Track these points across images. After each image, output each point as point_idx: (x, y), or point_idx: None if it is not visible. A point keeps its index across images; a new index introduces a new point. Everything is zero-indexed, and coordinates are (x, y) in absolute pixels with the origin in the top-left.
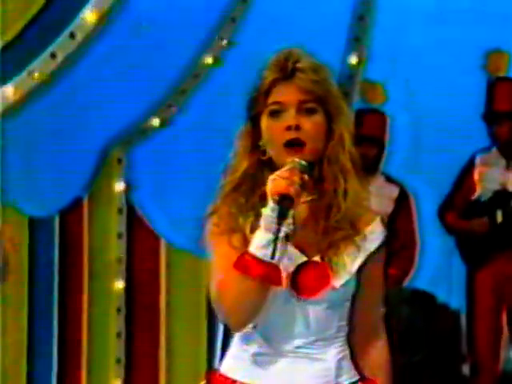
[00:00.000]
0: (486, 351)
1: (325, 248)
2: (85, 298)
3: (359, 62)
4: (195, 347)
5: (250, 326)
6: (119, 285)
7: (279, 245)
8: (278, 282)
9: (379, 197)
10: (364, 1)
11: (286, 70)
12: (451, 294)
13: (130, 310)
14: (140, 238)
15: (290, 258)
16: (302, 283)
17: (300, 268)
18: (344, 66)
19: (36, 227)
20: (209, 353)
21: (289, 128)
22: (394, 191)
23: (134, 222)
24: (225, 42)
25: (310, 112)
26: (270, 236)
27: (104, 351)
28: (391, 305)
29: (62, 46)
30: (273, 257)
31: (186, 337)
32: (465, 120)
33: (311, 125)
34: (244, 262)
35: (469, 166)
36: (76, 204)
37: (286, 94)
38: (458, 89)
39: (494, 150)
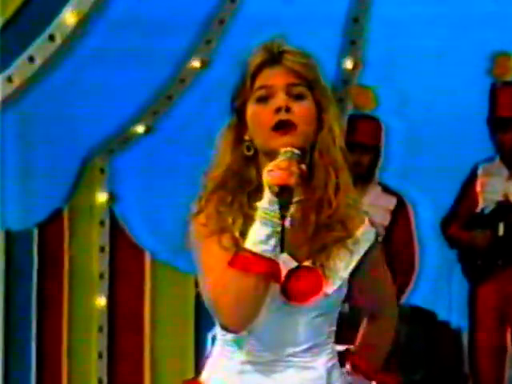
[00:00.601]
0: (488, 371)
1: (316, 251)
2: (65, 315)
3: (354, 66)
4: (182, 367)
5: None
6: (101, 301)
7: (274, 240)
8: (279, 278)
9: (375, 208)
10: (359, 3)
11: (274, 53)
12: (451, 311)
13: (113, 329)
14: (123, 251)
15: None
16: (293, 289)
17: (291, 273)
18: (339, 70)
19: (13, 240)
20: (197, 373)
21: (279, 109)
22: (391, 202)
23: (116, 234)
24: (213, 44)
25: (300, 97)
26: (269, 230)
27: (85, 372)
28: None
29: (40, 49)
30: (282, 250)
31: (172, 357)
32: (464, 126)
33: (301, 109)
34: (242, 259)
35: (471, 177)
36: (56, 216)
37: (274, 77)
38: (455, 94)
39: (497, 159)
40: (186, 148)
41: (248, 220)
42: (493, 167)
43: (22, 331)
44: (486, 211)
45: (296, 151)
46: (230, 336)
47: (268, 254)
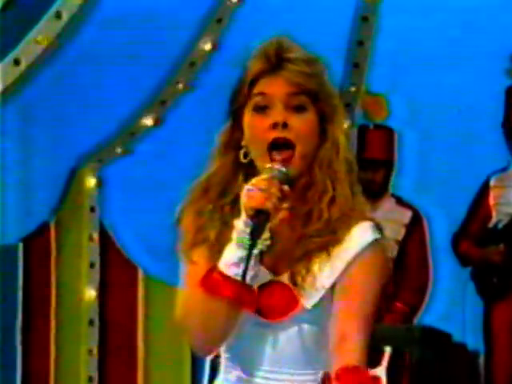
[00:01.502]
0: None
1: (296, 261)
2: (52, 336)
3: (361, 68)
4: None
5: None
6: (92, 321)
7: (252, 263)
8: (251, 305)
9: (388, 222)
10: (367, 3)
11: (274, 60)
12: (466, 331)
13: (104, 351)
14: (114, 267)
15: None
16: (267, 305)
17: (264, 287)
18: (346, 71)
19: None
20: None
21: (275, 125)
22: (406, 216)
23: (107, 249)
24: (209, 45)
25: (300, 109)
26: (242, 252)
27: None
28: (400, 344)
29: (26, 51)
30: (244, 277)
31: (166, 381)
32: (479, 135)
33: (301, 123)
34: (212, 281)
35: (483, 190)
36: (42, 230)
37: (272, 86)
38: (470, 100)
39: (511, 169)
40: (180, 156)
41: (228, 233)
42: (506, 178)
43: (7, 359)
44: (500, 225)
45: (283, 170)
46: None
47: (239, 278)
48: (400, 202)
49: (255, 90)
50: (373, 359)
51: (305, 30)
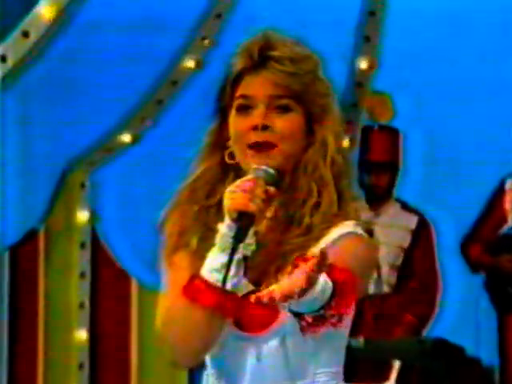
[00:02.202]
0: None
1: (273, 269)
2: (40, 352)
3: (370, 66)
4: None
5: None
6: (81, 335)
7: (233, 269)
8: (234, 314)
9: (393, 228)
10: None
11: (257, 58)
12: (479, 344)
13: (95, 366)
14: (106, 277)
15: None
16: (248, 318)
17: (244, 299)
18: (351, 70)
19: None
20: None
21: (255, 128)
22: (412, 221)
23: (99, 258)
24: (207, 41)
25: (283, 109)
26: (225, 258)
27: None
28: (410, 358)
29: (12, 48)
30: (224, 283)
31: None
32: (489, 135)
33: (284, 124)
34: (193, 288)
35: (498, 193)
36: (30, 237)
37: (255, 88)
38: (478, 99)
39: None
40: (174, 159)
41: (213, 237)
42: None
43: None
44: None
45: (270, 170)
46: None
47: (220, 284)
48: (405, 206)
49: (238, 92)
50: (381, 374)
51: (310, 28)
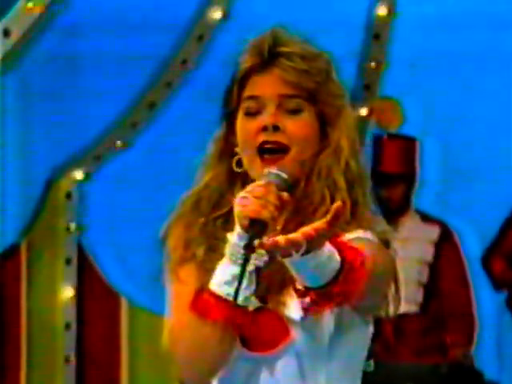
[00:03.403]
0: None
1: (280, 284)
2: (23, 375)
3: (377, 67)
4: None
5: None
6: (68, 358)
7: (245, 281)
8: (246, 330)
9: (413, 241)
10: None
11: (266, 55)
12: (502, 368)
13: None
14: (94, 295)
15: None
16: (255, 336)
17: (250, 316)
18: (359, 71)
19: None
20: None
21: (265, 129)
22: (434, 232)
23: (86, 275)
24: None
25: (295, 111)
26: (236, 269)
27: None
28: (425, 383)
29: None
30: (236, 297)
31: None
32: (509, 140)
33: (296, 126)
34: (202, 303)
35: None
36: (11, 252)
37: (264, 87)
38: (496, 101)
39: None
40: (168, 165)
41: (221, 248)
42: None
43: None
44: None
45: (283, 175)
46: None
47: (231, 298)
48: (426, 217)
49: (246, 93)
50: None
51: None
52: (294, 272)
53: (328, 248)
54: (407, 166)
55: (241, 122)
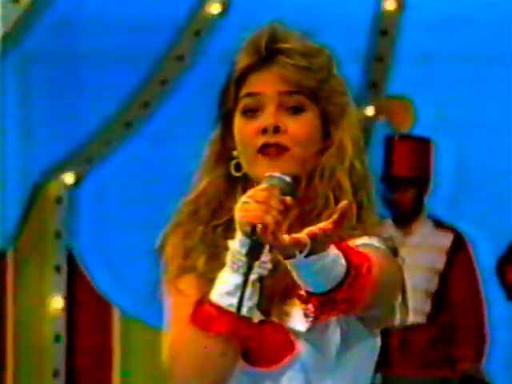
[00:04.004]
0: None
1: (281, 294)
2: None
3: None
4: None
5: None
6: (57, 372)
7: (248, 291)
8: (250, 342)
9: (425, 248)
10: None
11: (264, 52)
12: None
13: None
14: (85, 306)
15: None
16: (258, 350)
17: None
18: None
19: None
20: None
21: (265, 130)
22: (446, 240)
23: (76, 283)
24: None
25: (297, 110)
26: (238, 278)
27: None
28: None
29: None
30: (239, 308)
31: None
32: None
33: (297, 126)
34: (203, 314)
35: None
36: None
37: (262, 84)
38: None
39: None
40: (163, 170)
41: (222, 257)
42: None
43: None
44: None
45: (286, 178)
46: None
47: (234, 309)
48: (439, 224)
49: (243, 91)
50: None
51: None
52: (296, 276)
53: (333, 251)
54: (419, 169)
55: (239, 122)
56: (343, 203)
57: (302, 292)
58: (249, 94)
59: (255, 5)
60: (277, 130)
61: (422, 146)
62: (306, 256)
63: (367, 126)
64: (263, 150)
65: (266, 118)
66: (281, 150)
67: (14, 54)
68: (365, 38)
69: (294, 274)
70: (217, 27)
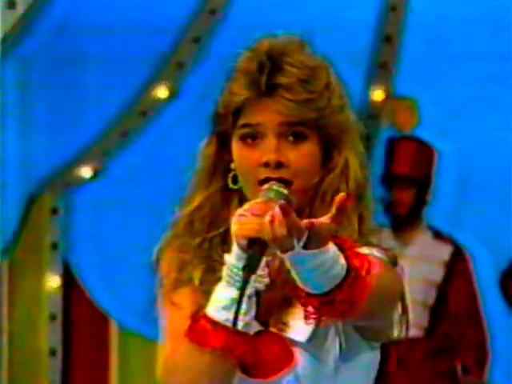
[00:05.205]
0: None
1: (280, 306)
2: None
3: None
4: None
5: None
6: None
7: (244, 305)
8: (245, 357)
9: (424, 260)
10: None
11: (263, 88)
12: None
13: None
14: (81, 319)
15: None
16: (256, 361)
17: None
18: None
19: None
20: None
21: (267, 165)
22: (445, 251)
23: (72, 296)
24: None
25: (298, 139)
26: (234, 293)
27: None
28: None
29: None
30: (235, 323)
31: None
32: None
33: (299, 158)
34: (199, 330)
35: None
36: None
37: (263, 116)
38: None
39: None
40: (158, 182)
41: (218, 270)
42: None
43: None
44: None
45: (283, 190)
46: None
47: (230, 324)
48: (438, 235)
49: (241, 121)
50: None
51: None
52: (295, 274)
53: (333, 249)
54: (420, 170)
55: (237, 147)
56: (340, 195)
57: (302, 294)
58: (248, 125)
59: (255, 5)
60: (279, 165)
61: (424, 148)
62: (305, 248)
63: (376, 111)
64: (265, 183)
65: (267, 151)
66: (283, 183)
67: (12, 59)
68: (374, 16)
69: (293, 272)
70: (217, 31)
